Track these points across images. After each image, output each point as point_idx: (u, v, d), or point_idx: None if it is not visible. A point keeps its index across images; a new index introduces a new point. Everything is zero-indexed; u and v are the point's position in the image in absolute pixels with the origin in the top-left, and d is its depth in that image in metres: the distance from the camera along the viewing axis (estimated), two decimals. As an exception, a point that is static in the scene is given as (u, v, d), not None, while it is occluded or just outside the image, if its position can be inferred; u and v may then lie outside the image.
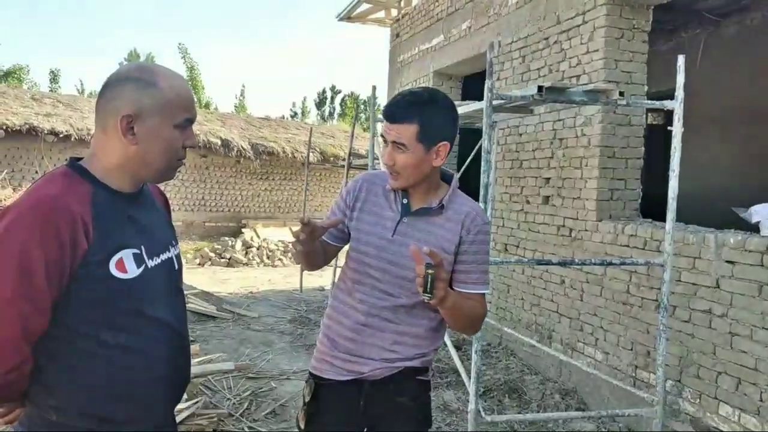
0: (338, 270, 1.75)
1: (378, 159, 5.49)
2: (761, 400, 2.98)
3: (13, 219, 1.12)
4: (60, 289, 1.15)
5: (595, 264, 3.64)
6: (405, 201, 1.70)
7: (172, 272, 1.37)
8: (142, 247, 1.27)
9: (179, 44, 25.86)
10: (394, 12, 8.25)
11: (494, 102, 3.24)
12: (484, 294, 1.70)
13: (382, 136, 1.68)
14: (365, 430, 1.76)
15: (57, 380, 1.19)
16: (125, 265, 1.22)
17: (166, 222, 1.43)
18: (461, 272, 1.67)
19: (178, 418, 3.30)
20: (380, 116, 1.69)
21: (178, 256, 1.42)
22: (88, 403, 1.20)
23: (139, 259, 1.25)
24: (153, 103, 1.23)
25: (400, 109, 1.62)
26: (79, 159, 1.29)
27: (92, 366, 1.20)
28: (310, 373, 1.79)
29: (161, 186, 1.50)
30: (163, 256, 1.33)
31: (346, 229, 1.76)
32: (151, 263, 1.28)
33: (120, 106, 1.22)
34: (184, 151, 1.31)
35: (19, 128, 11.26)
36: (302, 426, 1.78)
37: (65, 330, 1.18)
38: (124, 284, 1.21)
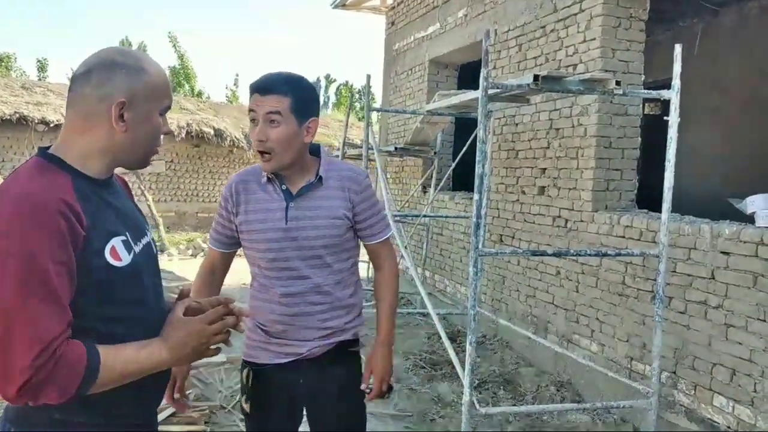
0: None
1: (372, 148, 5.45)
2: (755, 391, 2.98)
3: (5, 223, 1.06)
4: (74, 284, 1.11)
5: (590, 255, 3.62)
6: (284, 187, 1.73)
7: (151, 257, 1.36)
8: (127, 233, 1.25)
9: (169, 33, 25.64)
10: (389, 0, 8.16)
11: (490, 91, 3.19)
12: (388, 237, 1.86)
13: (251, 110, 1.65)
14: (304, 405, 1.84)
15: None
16: (118, 253, 1.20)
17: (136, 208, 1.42)
18: (365, 228, 1.80)
19: (169, 411, 3.27)
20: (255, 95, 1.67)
21: (153, 241, 1.40)
22: (93, 398, 1.16)
23: (128, 246, 1.23)
24: (144, 89, 1.22)
25: (273, 81, 1.64)
26: (47, 147, 1.24)
27: None
28: (245, 361, 1.84)
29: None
30: (144, 241, 1.32)
31: (235, 234, 1.80)
32: (136, 249, 1.27)
33: (113, 92, 1.19)
34: (160, 138, 1.30)
35: (9, 117, 11.14)
36: (248, 411, 1.83)
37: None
38: (120, 272, 1.19)
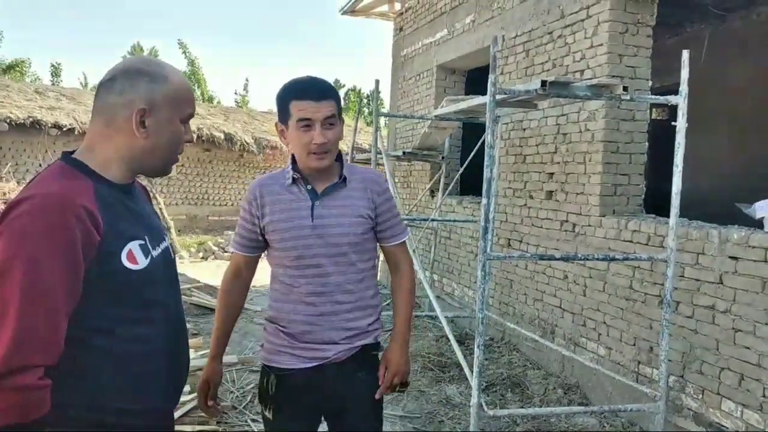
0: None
1: (380, 153, 5.49)
2: (764, 396, 2.98)
3: (24, 225, 1.08)
4: (79, 290, 1.12)
5: (598, 259, 3.64)
6: (309, 187, 1.79)
7: (170, 261, 1.38)
8: (146, 238, 1.27)
9: (179, 41, 25.84)
10: (397, 6, 8.22)
11: (498, 96, 3.23)
12: (405, 240, 1.92)
13: (305, 119, 1.70)
14: (325, 408, 1.86)
15: (74, 379, 1.16)
16: (135, 257, 1.22)
17: (155, 213, 1.44)
18: (386, 230, 1.86)
19: (182, 411, 3.32)
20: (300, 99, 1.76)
21: (171, 246, 1.44)
22: (109, 398, 1.19)
23: (145, 250, 1.26)
24: (165, 97, 1.25)
25: (323, 87, 1.73)
26: (71, 152, 1.27)
27: (109, 361, 1.18)
28: (268, 366, 1.84)
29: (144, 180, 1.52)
30: (161, 246, 1.35)
31: (259, 237, 1.82)
32: (155, 253, 1.29)
33: (134, 100, 1.23)
34: (182, 146, 1.33)
35: (22, 122, 11.29)
36: (270, 417, 1.83)
37: (79, 329, 1.14)
38: (136, 276, 1.21)
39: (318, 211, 1.76)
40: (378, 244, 1.90)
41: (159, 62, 1.31)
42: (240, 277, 1.92)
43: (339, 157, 1.84)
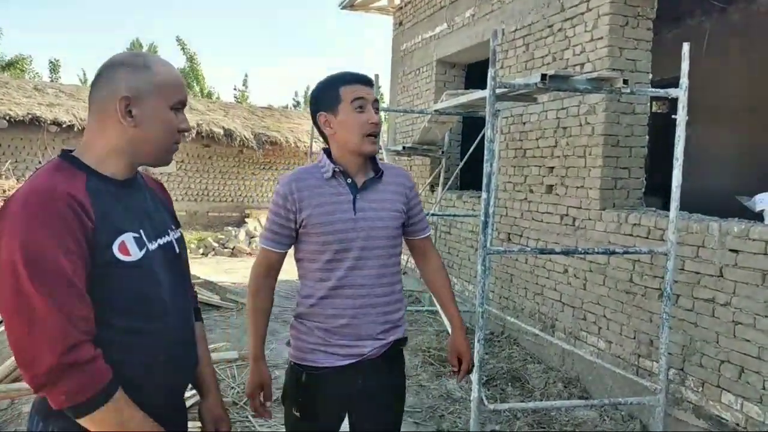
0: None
1: (380, 148, 5.48)
2: (764, 389, 2.98)
3: (16, 216, 1.11)
4: (86, 273, 1.15)
5: (598, 253, 3.64)
6: (349, 180, 1.81)
7: (172, 255, 1.37)
8: (141, 231, 1.28)
9: (177, 37, 25.75)
10: (397, 0, 8.19)
11: (497, 90, 3.22)
12: (430, 235, 2.03)
13: (359, 98, 1.76)
14: (354, 405, 1.86)
15: None
16: (128, 248, 1.22)
17: (164, 208, 1.43)
18: (416, 223, 1.95)
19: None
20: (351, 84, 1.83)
21: (179, 240, 1.42)
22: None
23: (140, 243, 1.26)
24: (148, 85, 1.26)
25: (368, 77, 1.81)
26: (71, 151, 1.29)
27: (108, 351, 1.17)
28: (298, 365, 1.81)
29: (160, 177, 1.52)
30: (162, 240, 1.34)
31: (294, 232, 1.81)
32: (151, 246, 1.29)
33: (117, 90, 1.24)
34: (179, 134, 1.33)
35: (22, 118, 11.28)
36: (298, 415, 1.81)
37: None
38: (128, 267, 1.22)
39: (359, 204, 1.79)
40: (406, 238, 1.97)
41: (144, 54, 1.33)
42: (270, 276, 1.88)
43: None
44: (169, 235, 1.38)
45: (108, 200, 1.23)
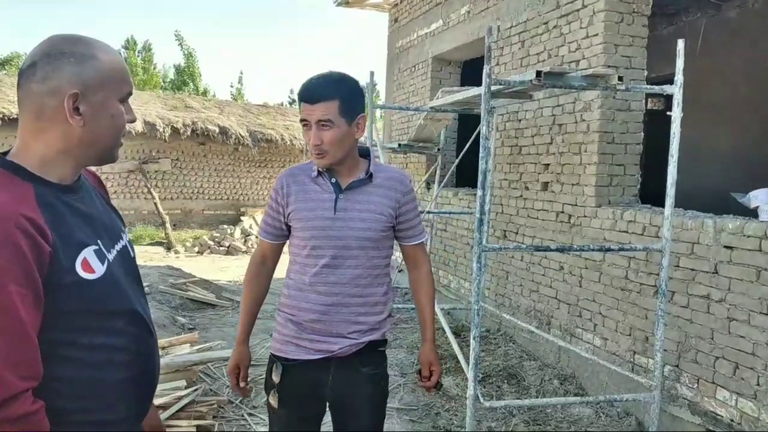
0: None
1: (376, 145, 5.47)
2: (758, 385, 2.99)
3: None
4: (41, 308, 1.04)
5: (593, 250, 3.64)
6: (334, 180, 1.82)
7: (129, 261, 1.28)
8: (100, 242, 1.17)
9: (175, 32, 25.58)
10: (392, -3, 8.17)
11: (493, 87, 3.22)
12: (424, 241, 1.96)
13: (302, 120, 1.77)
14: (329, 402, 1.89)
15: (39, 393, 1.06)
16: (91, 265, 1.12)
17: (109, 207, 1.31)
18: (407, 229, 1.90)
19: (178, 406, 3.32)
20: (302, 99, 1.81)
21: (130, 243, 1.33)
22: (77, 410, 1.13)
23: (101, 255, 1.15)
24: (97, 77, 1.12)
25: (320, 89, 1.73)
26: (5, 153, 1.13)
27: (74, 372, 1.11)
28: (274, 356, 1.89)
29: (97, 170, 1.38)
30: (118, 246, 1.24)
31: (284, 226, 1.88)
32: (111, 256, 1.19)
33: (61, 85, 1.09)
34: (125, 128, 1.22)
35: (16, 117, 11.21)
36: (275, 407, 1.87)
37: (41, 342, 1.05)
38: (94, 285, 1.11)
39: (341, 204, 1.80)
40: (398, 243, 1.95)
41: (84, 39, 1.15)
42: (265, 265, 1.97)
43: (367, 154, 1.88)
44: (123, 239, 1.28)
45: (61, 213, 1.10)
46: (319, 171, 1.82)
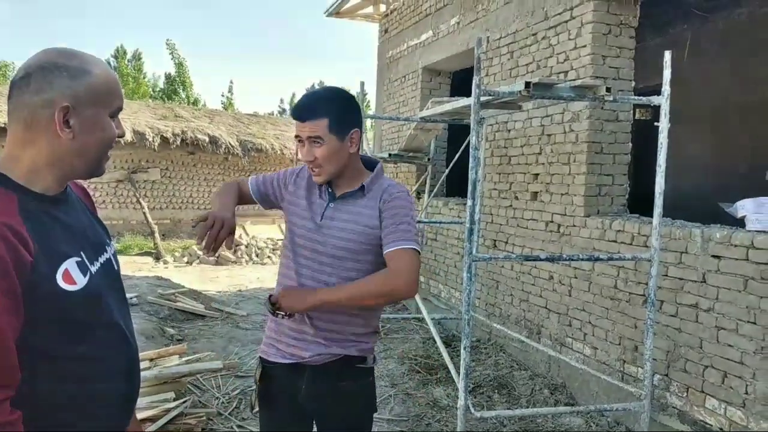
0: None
1: (366, 155, 5.48)
2: (746, 393, 3.01)
3: None
4: (21, 317, 1.04)
5: (583, 260, 3.65)
6: (329, 190, 1.84)
7: (113, 273, 1.28)
8: (83, 254, 1.17)
9: (167, 40, 25.56)
10: (382, 7, 8.22)
11: (482, 98, 3.24)
12: (407, 249, 1.70)
13: (297, 137, 1.79)
14: (311, 412, 1.88)
15: (19, 405, 1.05)
16: (72, 276, 1.12)
17: (94, 220, 1.32)
18: (384, 236, 1.76)
19: (167, 417, 3.28)
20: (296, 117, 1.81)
21: (115, 256, 1.32)
22: (58, 422, 1.12)
23: (83, 267, 1.15)
24: (89, 91, 1.14)
25: (309, 107, 1.76)
26: None
27: (54, 384, 1.11)
28: (260, 357, 1.92)
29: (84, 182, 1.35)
30: (102, 259, 1.24)
31: (270, 197, 1.94)
32: (93, 269, 1.19)
33: (54, 98, 1.10)
34: (114, 142, 1.23)
35: (3, 126, 11.13)
36: (255, 407, 1.90)
37: (20, 353, 1.05)
38: (74, 297, 1.11)
39: (329, 213, 1.81)
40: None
41: (78, 53, 1.18)
42: (241, 191, 1.97)
43: (374, 166, 1.88)
44: (107, 251, 1.28)
45: (44, 223, 1.11)
46: None
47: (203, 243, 1.66)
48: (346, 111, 1.79)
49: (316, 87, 1.91)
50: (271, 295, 1.82)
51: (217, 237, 1.68)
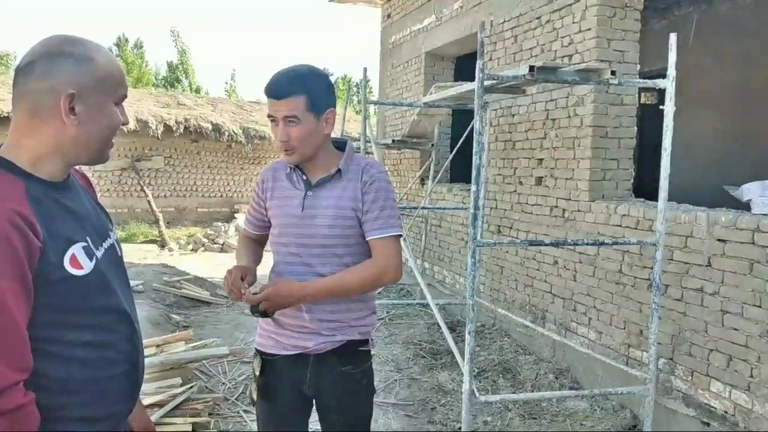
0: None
1: (370, 141, 5.47)
2: (752, 377, 3.01)
3: None
4: (31, 303, 1.05)
5: (587, 244, 3.65)
6: (305, 177, 1.79)
7: (116, 259, 1.29)
8: (88, 239, 1.18)
9: (171, 28, 25.43)
10: (384, -8, 8.15)
11: (486, 82, 3.21)
12: (392, 236, 1.76)
13: (270, 116, 1.73)
14: (313, 398, 1.87)
15: (30, 387, 1.07)
16: (79, 261, 1.13)
17: (97, 206, 1.33)
18: (366, 222, 1.75)
19: (174, 403, 3.31)
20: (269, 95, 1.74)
21: (118, 242, 1.33)
22: (67, 406, 1.14)
23: (89, 252, 1.16)
24: (94, 79, 1.14)
25: (286, 84, 1.69)
26: None
27: (63, 369, 1.12)
28: (257, 350, 1.89)
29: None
30: (106, 244, 1.25)
31: (265, 218, 1.89)
32: (99, 254, 1.20)
33: (59, 85, 1.11)
34: (117, 130, 1.24)
35: (7, 115, 11.13)
36: (255, 399, 1.88)
37: (30, 338, 1.07)
38: (82, 281, 1.13)
39: (309, 201, 1.77)
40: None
41: (83, 41, 1.17)
42: (248, 246, 1.98)
43: (344, 146, 1.83)
44: (110, 237, 1.29)
45: (51, 209, 1.12)
46: (291, 167, 1.81)
47: (231, 295, 1.76)
48: (323, 89, 1.73)
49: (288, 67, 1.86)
50: (253, 298, 1.72)
51: (232, 286, 1.74)
